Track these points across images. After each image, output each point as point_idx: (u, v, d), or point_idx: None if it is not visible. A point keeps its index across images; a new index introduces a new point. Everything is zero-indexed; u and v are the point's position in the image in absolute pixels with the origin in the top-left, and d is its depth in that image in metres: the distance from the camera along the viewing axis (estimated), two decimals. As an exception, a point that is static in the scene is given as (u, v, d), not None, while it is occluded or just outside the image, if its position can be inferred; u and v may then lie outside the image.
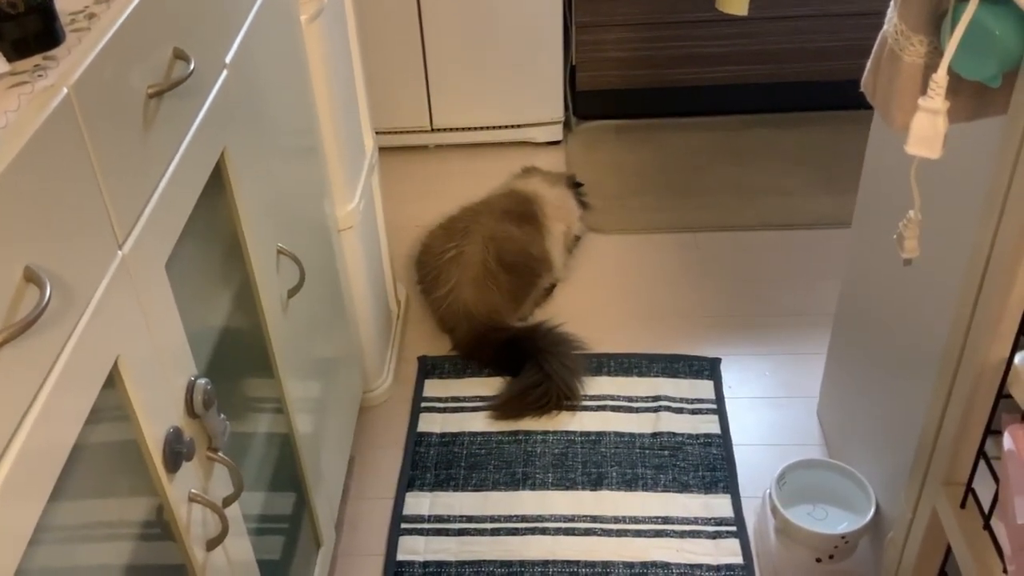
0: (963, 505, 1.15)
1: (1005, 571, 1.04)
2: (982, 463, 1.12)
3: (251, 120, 1.34)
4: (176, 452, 1.03)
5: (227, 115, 1.23)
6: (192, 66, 1.06)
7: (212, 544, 1.14)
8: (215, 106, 1.18)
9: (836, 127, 2.95)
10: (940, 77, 0.91)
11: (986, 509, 1.10)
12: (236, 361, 1.36)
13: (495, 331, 2.21)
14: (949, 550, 1.23)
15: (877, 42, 1.07)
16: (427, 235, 2.42)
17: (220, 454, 1.15)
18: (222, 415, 1.15)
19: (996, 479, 1.08)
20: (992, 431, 1.13)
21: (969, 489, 1.14)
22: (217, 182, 1.23)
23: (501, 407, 2.10)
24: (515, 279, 2.28)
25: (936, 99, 0.92)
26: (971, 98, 1.02)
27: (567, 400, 2.10)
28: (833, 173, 2.79)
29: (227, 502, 1.19)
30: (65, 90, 0.83)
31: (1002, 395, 1.06)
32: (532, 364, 2.13)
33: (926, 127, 0.92)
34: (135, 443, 0.99)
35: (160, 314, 1.01)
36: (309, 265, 1.61)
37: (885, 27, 1.05)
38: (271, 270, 1.41)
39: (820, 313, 2.31)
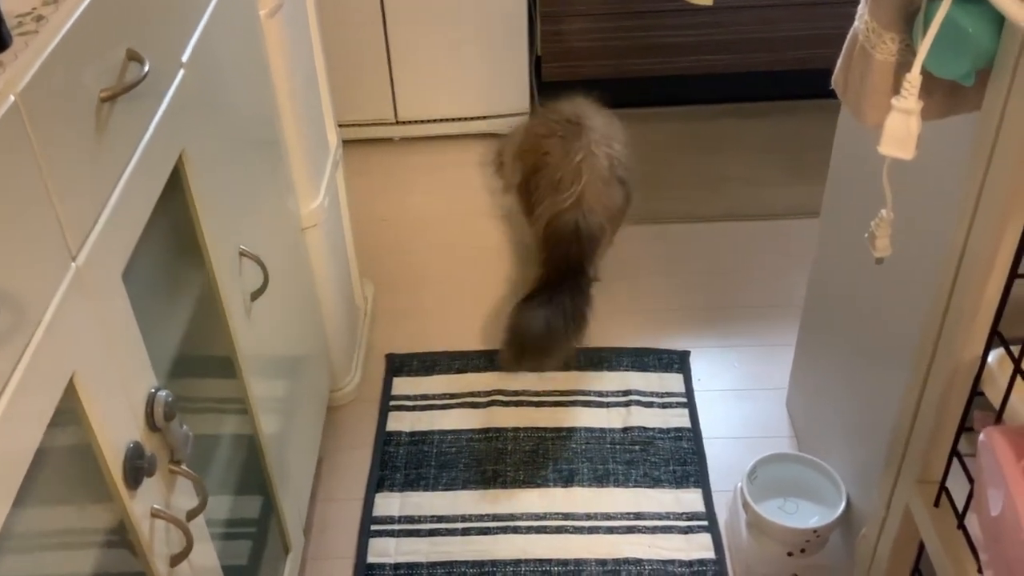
0: (937, 503, 1.15)
1: (980, 571, 1.04)
2: (955, 462, 1.12)
3: (211, 120, 1.30)
4: (136, 468, 1.00)
5: (185, 116, 1.19)
6: (147, 68, 1.02)
7: (176, 560, 1.11)
8: (172, 107, 1.14)
9: (804, 116, 2.94)
10: (914, 77, 0.90)
11: (960, 508, 1.10)
12: (198, 366, 1.33)
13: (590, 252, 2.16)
14: (923, 547, 1.23)
15: (848, 38, 1.06)
16: (527, 141, 2.33)
17: (183, 467, 1.12)
18: (184, 426, 1.12)
19: (970, 479, 1.08)
20: (965, 429, 1.12)
21: (943, 488, 1.13)
22: (175, 185, 1.19)
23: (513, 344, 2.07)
24: (625, 195, 2.26)
25: (909, 99, 0.90)
26: (943, 96, 1.01)
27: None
28: (801, 163, 2.79)
29: (191, 515, 1.15)
30: (12, 98, 0.79)
31: (975, 393, 1.05)
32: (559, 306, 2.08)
33: (899, 128, 0.91)
34: (94, 460, 0.95)
35: (118, 327, 0.98)
36: (273, 265, 1.58)
37: (856, 23, 1.04)
38: (233, 273, 1.37)
39: (789, 304, 2.31)
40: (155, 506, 1.05)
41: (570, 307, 2.07)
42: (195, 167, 1.21)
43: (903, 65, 1.00)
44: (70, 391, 0.88)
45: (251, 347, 1.44)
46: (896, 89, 1.01)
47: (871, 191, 1.57)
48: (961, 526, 1.09)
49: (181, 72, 1.19)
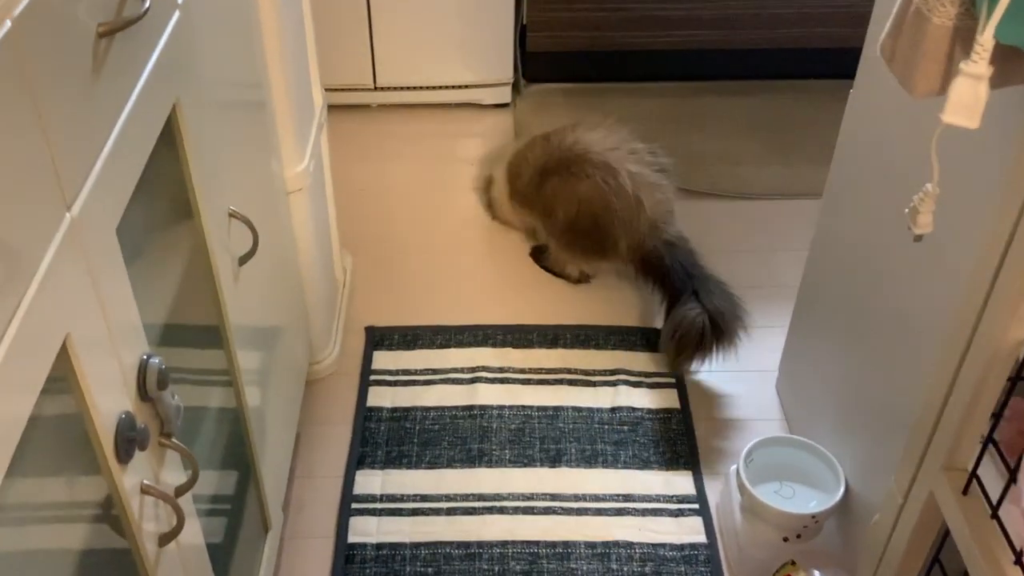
0: (965, 492, 1.10)
1: (1018, 561, 1.00)
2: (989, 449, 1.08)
3: (203, 71, 1.21)
4: (128, 440, 0.92)
5: (179, 63, 1.10)
6: (147, 3, 0.93)
7: (166, 539, 1.03)
8: (167, 52, 1.05)
9: (790, 96, 2.91)
10: (986, 40, 0.85)
11: (992, 497, 1.06)
12: (184, 335, 1.24)
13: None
14: (944, 537, 1.19)
15: (899, 2, 1.00)
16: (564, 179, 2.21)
17: (174, 440, 1.04)
18: (175, 397, 1.04)
19: (1007, 465, 1.04)
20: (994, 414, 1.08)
21: (974, 475, 1.09)
22: (168, 139, 1.10)
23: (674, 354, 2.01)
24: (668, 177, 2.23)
25: (980, 63, 0.85)
26: (999, 64, 0.96)
27: (724, 343, 2.00)
28: (785, 143, 2.75)
29: (180, 491, 1.08)
30: (8, 23, 0.70)
31: (1019, 378, 1.01)
32: (689, 297, 2.02)
33: (967, 94, 0.85)
34: (83, 431, 0.87)
35: (111, 285, 0.90)
36: (260, 230, 1.49)
37: (909, -15, 0.98)
38: (223, 235, 1.29)
39: (774, 285, 2.28)
40: (145, 481, 0.98)
41: (714, 300, 2.03)
42: (188, 120, 1.13)
43: (961, 31, 0.94)
44: (62, 355, 0.80)
45: (238, 315, 1.36)
46: (951, 57, 0.96)
47: (878, 175, 1.53)
48: (995, 516, 1.04)
49: (176, 14, 1.10)
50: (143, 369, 0.97)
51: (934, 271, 1.37)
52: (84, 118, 0.85)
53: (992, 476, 1.09)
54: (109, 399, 0.89)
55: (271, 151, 1.66)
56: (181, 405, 1.05)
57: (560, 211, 2.19)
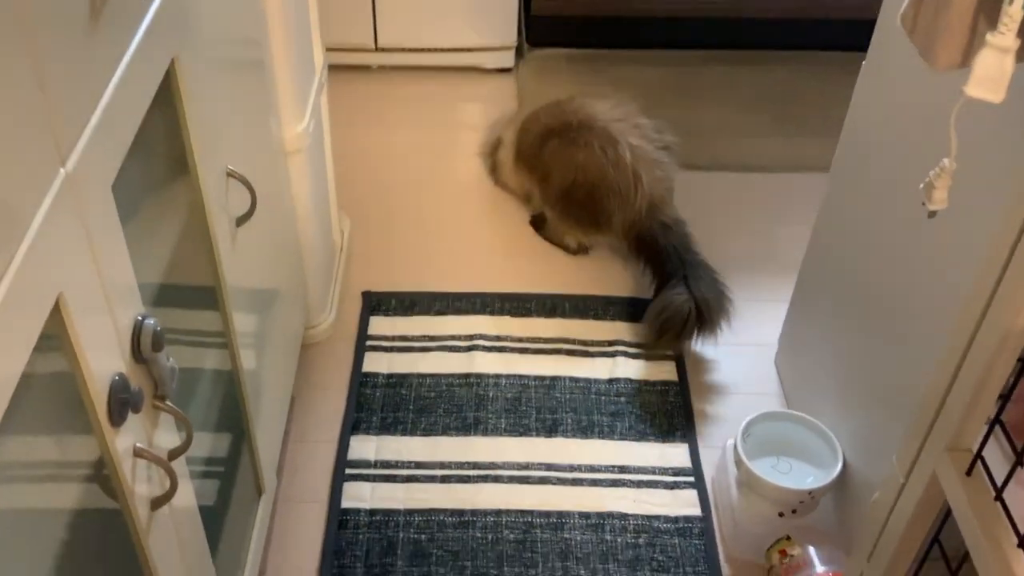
0: (969, 473, 1.09)
1: (1021, 544, 0.99)
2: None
3: (201, 28, 1.18)
4: (122, 402, 0.90)
5: (178, 19, 1.07)
6: (146, -49, 0.90)
7: (158, 503, 1.01)
8: (166, 6, 1.02)
9: (796, 68, 2.87)
10: (1015, 11, 0.82)
11: (995, 479, 1.04)
12: (180, 296, 1.22)
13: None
14: (945, 518, 1.18)
15: (921, -30, 0.97)
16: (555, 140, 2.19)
17: (168, 403, 1.02)
18: (170, 359, 1.02)
19: (1013, 448, 1.02)
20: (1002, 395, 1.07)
21: (979, 457, 1.08)
22: (165, 95, 1.07)
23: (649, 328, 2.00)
24: (672, 156, 2.21)
25: (1008, 35, 0.82)
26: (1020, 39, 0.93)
27: (705, 331, 1.99)
28: (790, 116, 2.71)
29: (173, 455, 1.06)
30: (2, -37, 0.67)
31: (1027, 360, 0.99)
32: (679, 281, 2.01)
33: (992, 66, 0.83)
34: (75, 392, 0.85)
35: (107, 244, 0.87)
36: (257, 191, 1.46)
37: (933, -46, 0.95)
38: (220, 195, 1.26)
39: (774, 260, 2.25)
40: (138, 444, 0.96)
41: (702, 288, 2.01)
42: (187, 77, 1.10)
43: (984, 2, 0.92)
44: (55, 314, 0.78)
45: (234, 277, 1.34)
46: (975, 28, 0.93)
47: (887, 151, 1.50)
48: (999, 498, 1.03)
49: (176, -32, 1.06)
50: (138, 330, 0.95)
51: (943, 248, 1.35)
52: (81, 68, 0.82)
53: (997, 458, 1.08)
54: (102, 360, 0.87)
55: (270, 111, 1.63)
56: (176, 367, 1.03)
57: (556, 176, 2.17)
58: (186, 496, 1.13)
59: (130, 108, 0.93)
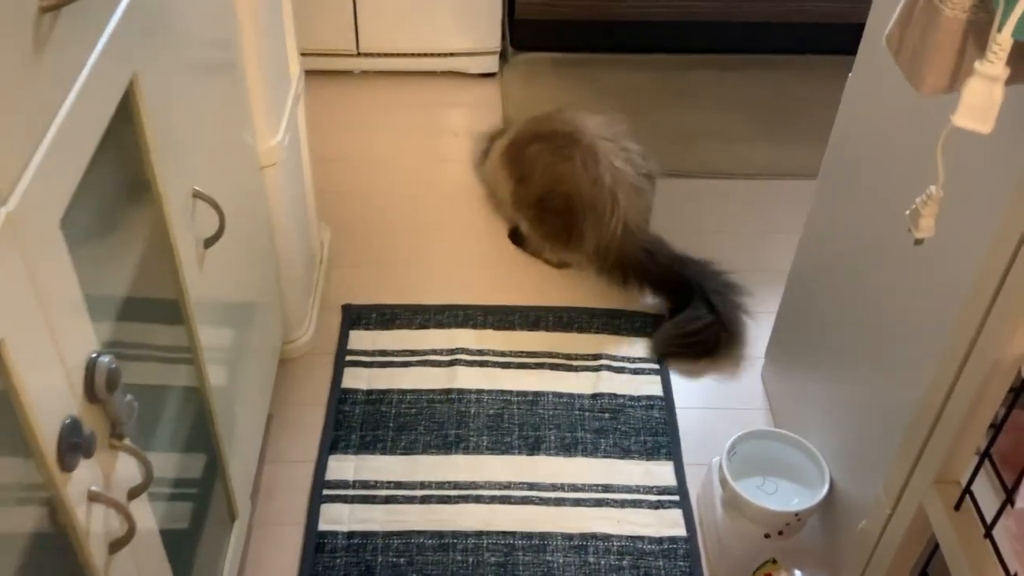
0: (958, 507, 1.06)
1: (1010, 585, 0.95)
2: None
3: (167, 40, 1.14)
4: (73, 446, 0.86)
5: (139, 33, 1.03)
6: (97, -26, 0.85)
7: (116, 546, 0.97)
8: (125, 23, 0.98)
9: (785, 72, 2.83)
10: (1004, 39, 0.79)
11: (985, 514, 1.01)
12: (141, 310, 1.18)
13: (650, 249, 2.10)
14: (934, 550, 1.15)
15: (908, -10, 0.94)
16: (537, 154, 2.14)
17: (126, 442, 0.98)
18: (128, 396, 0.98)
19: (1003, 483, 0.99)
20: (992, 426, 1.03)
21: (968, 491, 1.04)
22: (124, 115, 1.03)
23: (663, 344, 2.00)
24: (653, 185, 2.18)
25: (997, 64, 0.79)
26: (1013, 64, 0.89)
27: (730, 346, 2.01)
28: (778, 121, 2.68)
29: (134, 493, 1.02)
30: (-73, 0, 0.63)
31: (1020, 390, 0.96)
32: (698, 300, 2.02)
33: (981, 96, 0.79)
34: (21, 438, 0.81)
35: (54, 284, 0.83)
36: (228, 208, 1.42)
37: (920, -27, 0.92)
38: (186, 218, 1.22)
39: (763, 269, 2.22)
40: (93, 488, 0.92)
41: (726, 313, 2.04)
42: (148, 95, 1.05)
43: (975, 25, 0.88)
44: (-3, 361, 0.74)
45: (201, 294, 1.29)
46: (963, 52, 0.90)
47: (878, 159, 1.46)
48: (989, 535, 1.00)
49: (135, -17, 1.02)
50: (91, 369, 0.91)
51: (935, 264, 1.31)
52: (23, 103, 0.78)
53: (987, 491, 1.05)
54: (51, 405, 0.83)
55: (243, 124, 1.58)
56: (136, 404, 0.99)
57: (535, 181, 2.13)
58: (148, 535, 1.09)
59: (81, 138, 0.89)
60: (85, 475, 0.90)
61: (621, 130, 2.16)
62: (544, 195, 2.11)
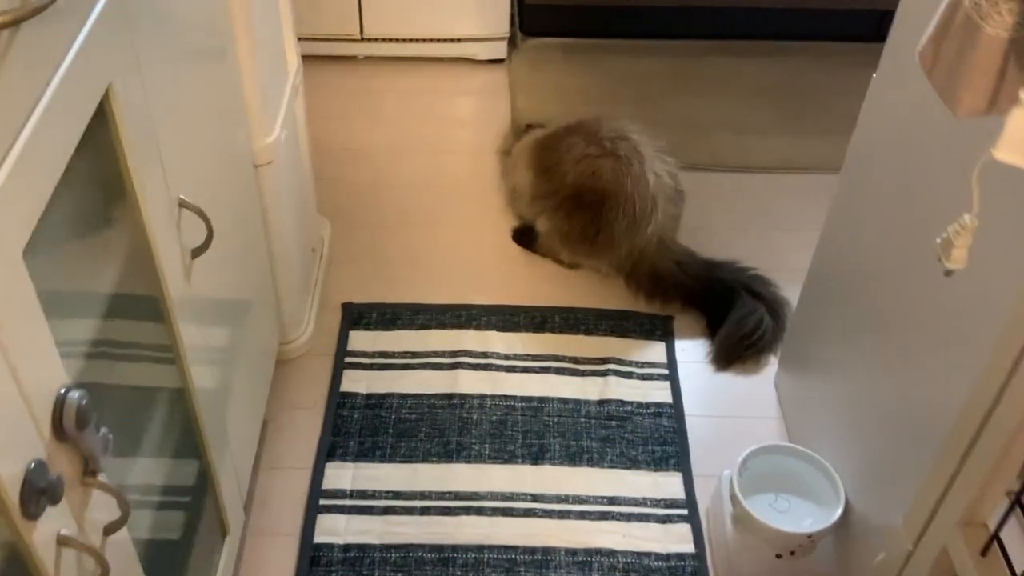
0: (984, 553, 0.99)
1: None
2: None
3: (149, 41, 1.07)
4: (38, 492, 0.80)
5: (116, 40, 0.96)
6: (61, -18, 0.79)
7: (89, 589, 0.92)
8: (98, 30, 0.91)
9: (801, 59, 2.74)
10: (1055, 67, 0.71)
11: (1014, 564, 0.95)
12: (124, 336, 1.12)
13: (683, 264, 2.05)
14: (957, 593, 1.08)
15: (945, 3, 0.86)
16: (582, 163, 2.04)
17: (101, 478, 0.92)
18: (103, 430, 0.92)
19: (1035, 535, 0.92)
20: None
21: (996, 536, 0.98)
22: (100, 126, 0.96)
23: (722, 354, 1.95)
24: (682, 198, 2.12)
25: (1046, 95, 0.72)
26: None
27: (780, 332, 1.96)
28: (794, 111, 2.59)
29: (110, 530, 0.96)
30: None
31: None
32: (744, 297, 1.97)
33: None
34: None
35: (17, 321, 0.77)
36: (220, 210, 1.36)
37: (958, -15, 0.84)
38: (171, 228, 1.15)
39: (778, 269, 2.14)
40: (63, 532, 0.86)
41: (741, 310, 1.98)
42: (126, 104, 0.99)
43: (1016, 44, 0.81)
44: (-54, 413, 0.68)
45: (190, 312, 1.23)
46: (1004, 73, 0.82)
47: (910, 154, 1.36)
48: (1019, 587, 0.94)
49: (111, -14, 0.95)
50: (60, 407, 0.85)
51: (972, 268, 1.20)
52: (-23, 126, 0.71)
53: (1016, 537, 0.98)
54: (14, 448, 0.77)
55: (237, 122, 1.51)
56: (111, 437, 0.93)
57: (566, 175, 2.04)
58: (127, 572, 1.04)
59: (47, 160, 0.82)
60: (53, 519, 0.84)
61: (661, 145, 2.09)
62: (576, 189, 2.02)
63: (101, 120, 0.96)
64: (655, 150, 2.05)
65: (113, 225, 1.06)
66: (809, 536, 1.51)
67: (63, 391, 0.85)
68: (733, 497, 1.56)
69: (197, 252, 1.24)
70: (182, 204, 1.19)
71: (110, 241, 1.07)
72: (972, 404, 1.04)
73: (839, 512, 1.51)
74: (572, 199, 2.03)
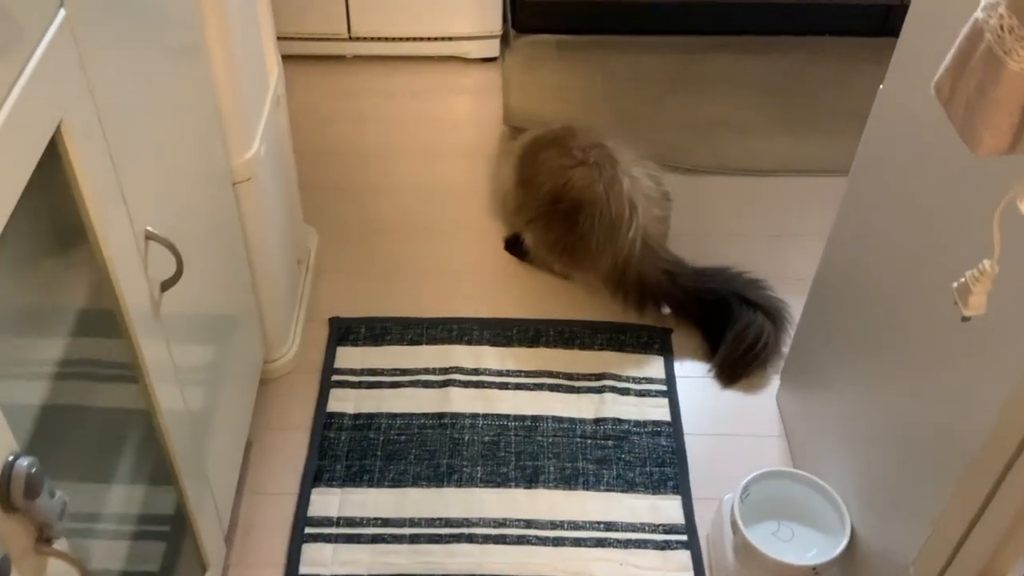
0: (1003, 613, 0.93)
1: None
2: None
3: (109, 62, 1.00)
4: (-20, 576, 0.74)
5: (68, 70, 0.89)
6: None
7: (44, 666, 0.86)
8: (48, 62, 0.84)
9: (805, 55, 2.66)
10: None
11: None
12: (85, 360, 1.05)
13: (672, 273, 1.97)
14: (972, 650, 1.02)
15: (965, 32, 0.79)
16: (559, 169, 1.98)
17: (56, 545, 0.86)
18: (57, 494, 0.85)
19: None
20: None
21: (1015, 598, 0.91)
22: (54, 163, 0.90)
23: (725, 371, 1.89)
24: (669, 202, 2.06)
25: (1082, 145, 0.65)
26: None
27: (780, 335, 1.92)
28: (797, 110, 2.51)
29: (69, 595, 0.90)
30: None
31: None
32: (739, 308, 1.90)
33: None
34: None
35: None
36: (195, 235, 1.30)
37: (979, 14, 0.77)
38: (135, 265, 1.09)
39: (781, 277, 2.06)
40: (12, 611, 0.80)
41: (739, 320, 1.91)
42: (80, 139, 0.92)
43: (1044, 80, 0.74)
44: None
45: (160, 346, 1.17)
46: (1030, 111, 0.75)
47: (924, 152, 1.28)
48: (1040, 656, 0.87)
49: (62, 13, 0.88)
50: (7, 477, 0.78)
51: (998, 276, 1.09)
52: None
53: (1036, 596, 0.92)
54: (-51, 534, 0.71)
55: (212, 139, 1.44)
56: (66, 500, 0.87)
57: (547, 182, 1.97)
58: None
59: (-13, 210, 0.76)
60: (0, 599, 0.78)
61: (640, 153, 2.02)
62: (552, 200, 1.96)
63: (53, 158, 0.89)
64: (633, 155, 1.98)
65: (72, 267, 1.00)
66: (814, 568, 1.45)
67: (11, 459, 0.79)
68: (734, 524, 1.50)
69: (167, 284, 1.18)
70: (149, 236, 1.12)
71: (69, 283, 1.00)
72: (1001, 429, 0.97)
73: (845, 542, 1.45)
74: (548, 210, 1.98)
